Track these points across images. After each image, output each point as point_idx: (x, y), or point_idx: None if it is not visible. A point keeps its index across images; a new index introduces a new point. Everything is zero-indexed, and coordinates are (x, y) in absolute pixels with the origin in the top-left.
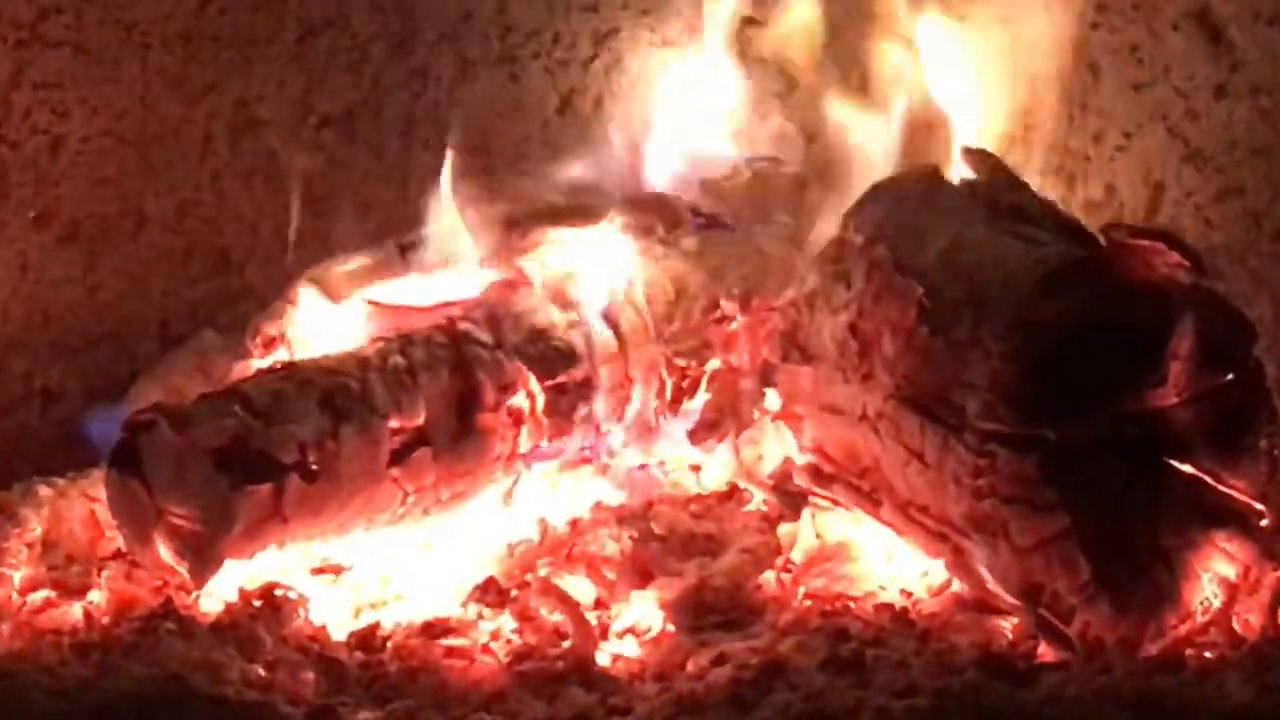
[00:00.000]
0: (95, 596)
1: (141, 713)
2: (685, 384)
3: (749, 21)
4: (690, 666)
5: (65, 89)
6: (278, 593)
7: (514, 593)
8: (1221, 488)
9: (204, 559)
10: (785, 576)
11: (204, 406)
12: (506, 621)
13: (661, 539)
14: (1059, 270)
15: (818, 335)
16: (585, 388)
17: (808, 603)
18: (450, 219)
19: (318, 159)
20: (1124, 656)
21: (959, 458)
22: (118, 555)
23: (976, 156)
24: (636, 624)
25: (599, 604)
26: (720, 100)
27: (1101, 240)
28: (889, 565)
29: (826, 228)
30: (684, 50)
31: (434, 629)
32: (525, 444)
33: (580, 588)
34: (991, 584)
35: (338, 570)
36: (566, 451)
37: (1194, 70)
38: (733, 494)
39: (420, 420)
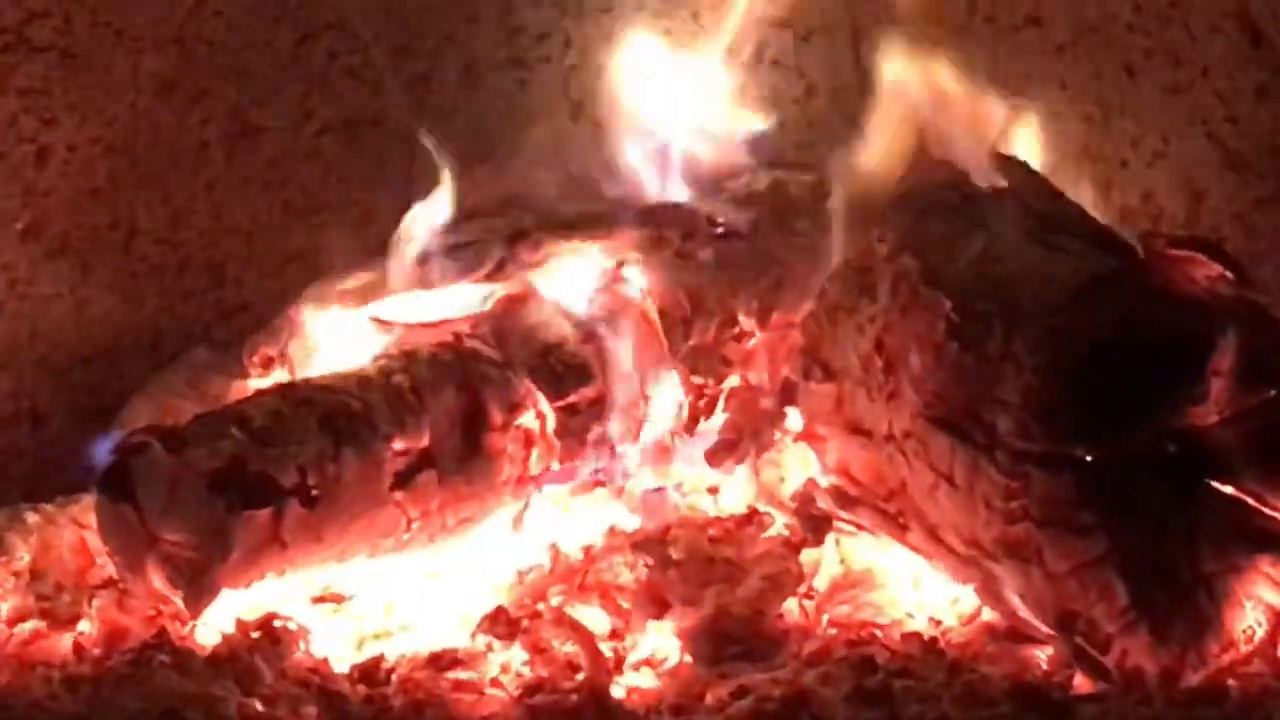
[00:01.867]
0: (86, 627)
1: None
2: (703, 403)
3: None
4: (709, 699)
5: (53, 96)
6: (277, 623)
7: (525, 623)
8: (1265, 510)
9: (199, 587)
10: (808, 604)
11: (199, 427)
12: (517, 653)
13: (678, 565)
14: (1095, 282)
15: (841, 351)
16: (598, 407)
17: (832, 632)
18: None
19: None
20: (1164, 687)
21: (990, 479)
22: (109, 584)
23: (1007, 162)
24: (653, 655)
25: (614, 634)
26: (738, 106)
27: (1139, 250)
28: (917, 592)
29: (850, 238)
30: (701, 54)
31: (441, 661)
32: (535, 466)
33: (594, 617)
34: (1025, 611)
35: (340, 599)
36: (579, 474)
37: (1234, 72)
38: (753, 518)
39: (425, 441)
